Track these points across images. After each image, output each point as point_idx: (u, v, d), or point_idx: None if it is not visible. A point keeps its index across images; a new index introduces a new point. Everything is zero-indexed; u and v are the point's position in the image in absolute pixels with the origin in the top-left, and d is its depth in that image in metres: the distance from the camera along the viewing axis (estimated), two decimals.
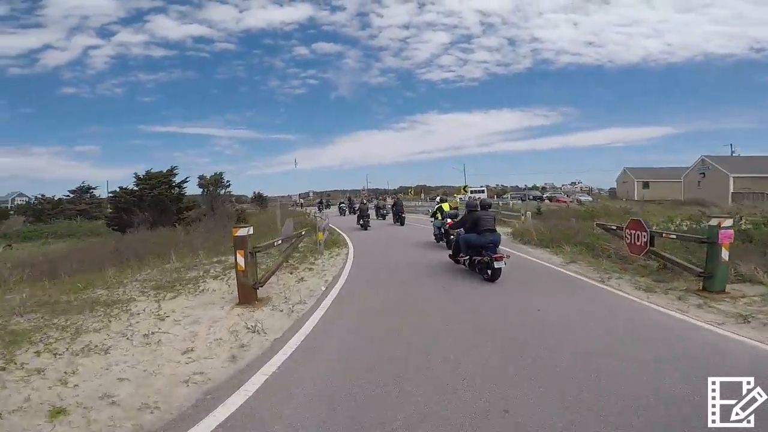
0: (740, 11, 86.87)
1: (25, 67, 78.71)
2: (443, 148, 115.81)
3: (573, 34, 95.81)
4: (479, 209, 7.87)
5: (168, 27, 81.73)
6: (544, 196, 54.79)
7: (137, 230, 14.66)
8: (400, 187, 78.13)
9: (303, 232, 8.88)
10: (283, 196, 61.17)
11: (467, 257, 7.71)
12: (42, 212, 31.01)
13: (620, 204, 34.64)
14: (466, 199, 33.16)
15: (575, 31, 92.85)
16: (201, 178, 18.13)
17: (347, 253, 11.38)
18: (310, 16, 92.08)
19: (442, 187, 71.26)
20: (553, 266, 9.21)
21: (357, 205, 21.05)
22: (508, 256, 7.27)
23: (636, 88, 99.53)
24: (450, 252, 8.90)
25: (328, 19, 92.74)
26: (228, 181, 18.75)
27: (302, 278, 7.93)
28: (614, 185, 59.75)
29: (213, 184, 17.60)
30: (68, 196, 36.52)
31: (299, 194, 58.66)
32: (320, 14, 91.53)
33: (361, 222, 17.66)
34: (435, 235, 12.70)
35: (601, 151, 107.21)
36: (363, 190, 64.61)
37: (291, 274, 8.30)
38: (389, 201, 28.51)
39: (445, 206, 12.54)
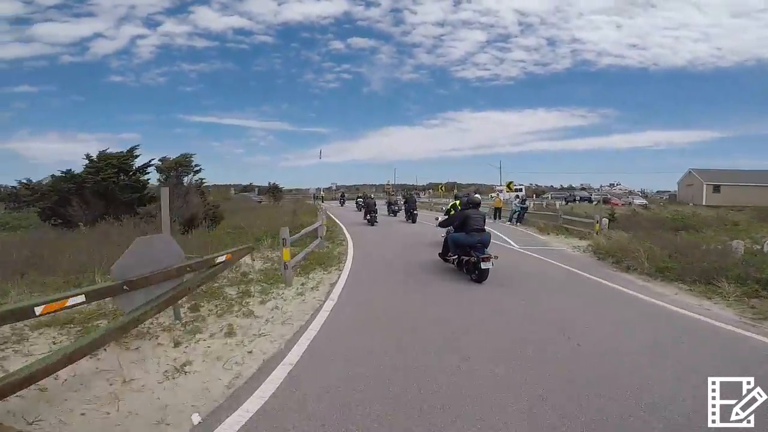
0: None
1: (76, 55, 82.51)
2: (474, 146, 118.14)
3: (616, 36, 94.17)
4: (469, 207, 7.36)
5: (210, 18, 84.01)
6: (593, 196, 48.46)
7: (75, 227, 10.78)
8: (430, 183, 76.01)
9: (223, 259, 4.33)
10: (302, 189, 57.56)
11: (456, 256, 7.23)
12: (19, 199, 27.84)
13: (699, 210, 28.40)
14: (512, 197, 28.17)
15: (618, 33, 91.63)
16: (162, 160, 13.70)
17: (336, 281, 6.84)
18: (346, 11, 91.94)
19: (473, 184, 69.22)
20: (727, 326, 4.60)
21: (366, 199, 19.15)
22: (495, 257, 6.63)
23: (681, 92, 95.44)
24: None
25: (362, 14, 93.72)
26: (197, 166, 14.29)
27: (187, 363, 3.45)
28: (665, 187, 52.28)
29: (175, 168, 13.25)
30: None
31: (318, 187, 54.63)
32: (355, 9, 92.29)
33: (368, 217, 16.71)
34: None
35: (641, 153, 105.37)
36: (388, 183, 60.15)
37: (176, 347, 3.81)
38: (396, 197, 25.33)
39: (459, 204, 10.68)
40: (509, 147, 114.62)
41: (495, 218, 20.44)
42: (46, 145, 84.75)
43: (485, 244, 6.85)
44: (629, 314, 5.20)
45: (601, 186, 78.86)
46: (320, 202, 47.96)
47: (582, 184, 79.51)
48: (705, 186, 43.07)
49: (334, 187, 63.05)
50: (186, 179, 14.09)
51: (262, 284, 6.32)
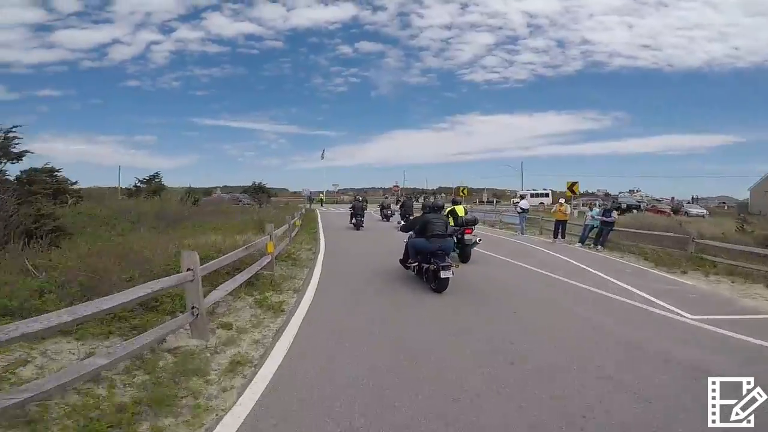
0: None
1: (95, 60, 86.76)
2: (483, 150, 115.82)
3: (627, 37, 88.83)
4: (429, 211, 6.90)
5: (222, 24, 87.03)
6: (642, 205, 41.09)
7: None
8: (440, 187, 73.53)
9: None
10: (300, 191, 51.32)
11: (415, 263, 6.77)
12: None
13: None
14: (593, 206, 21.39)
15: (630, 33, 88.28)
16: None
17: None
18: (353, 16, 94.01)
19: (484, 189, 67.03)
20: None
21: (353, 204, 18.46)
22: (457, 266, 6.34)
23: (696, 94, 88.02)
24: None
25: (370, 19, 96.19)
26: (18, 146, 7.63)
27: None
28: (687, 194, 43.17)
29: None
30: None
31: (313, 190, 48.31)
32: (363, 14, 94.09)
33: (354, 221, 16.91)
34: None
35: (654, 159, 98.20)
36: (395, 185, 53.89)
37: None
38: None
39: (459, 209, 9.13)
40: (518, 151, 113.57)
41: (555, 236, 13.59)
42: (69, 147, 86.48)
43: (446, 251, 6.36)
44: None
45: (619, 192, 73.40)
46: (319, 205, 41.62)
47: (598, 190, 74.11)
48: None
49: (336, 190, 56.98)
50: None
51: None
